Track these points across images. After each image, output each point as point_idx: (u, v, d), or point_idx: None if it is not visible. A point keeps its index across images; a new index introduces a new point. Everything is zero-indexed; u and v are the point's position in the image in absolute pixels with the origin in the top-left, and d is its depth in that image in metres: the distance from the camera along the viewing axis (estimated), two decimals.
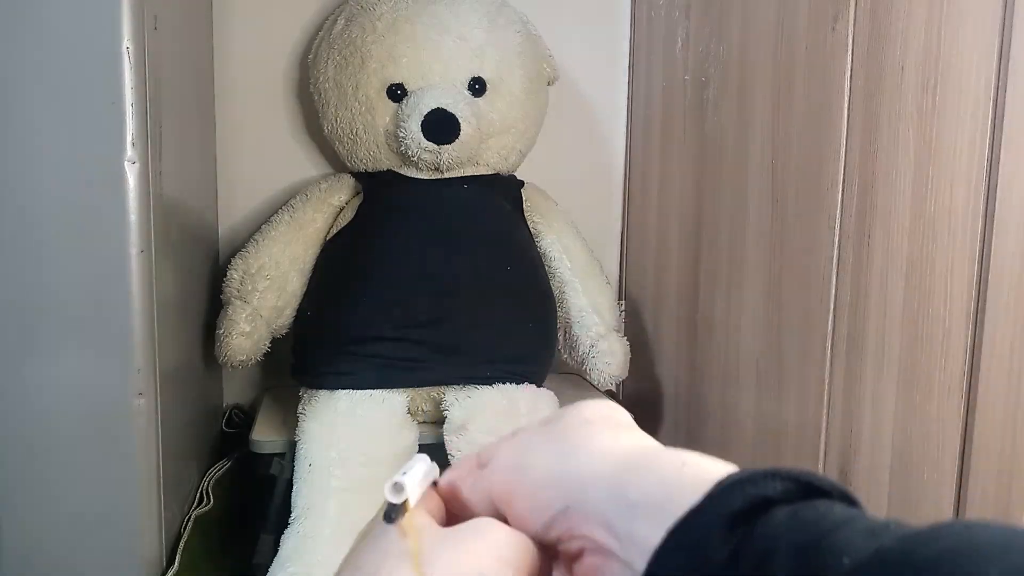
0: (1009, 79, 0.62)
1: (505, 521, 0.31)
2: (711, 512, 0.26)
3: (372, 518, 0.32)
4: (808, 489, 0.26)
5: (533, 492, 0.30)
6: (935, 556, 0.21)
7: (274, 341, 1.12)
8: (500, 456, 0.32)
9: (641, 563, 0.27)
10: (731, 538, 0.25)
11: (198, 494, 1.06)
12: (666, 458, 0.29)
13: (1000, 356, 0.64)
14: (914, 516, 0.73)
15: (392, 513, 0.31)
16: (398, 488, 0.31)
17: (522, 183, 1.23)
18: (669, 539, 0.26)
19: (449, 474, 0.34)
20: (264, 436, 1.08)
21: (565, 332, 1.19)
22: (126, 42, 0.78)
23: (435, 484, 0.33)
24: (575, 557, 0.30)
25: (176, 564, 0.89)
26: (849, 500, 0.26)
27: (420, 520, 0.31)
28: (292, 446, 1.02)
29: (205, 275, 1.15)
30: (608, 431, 0.31)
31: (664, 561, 0.26)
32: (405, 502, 0.31)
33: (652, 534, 0.26)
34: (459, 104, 1.09)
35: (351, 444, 0.98)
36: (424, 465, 0.33)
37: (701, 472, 0.27)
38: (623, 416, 0.33)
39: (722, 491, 0.26)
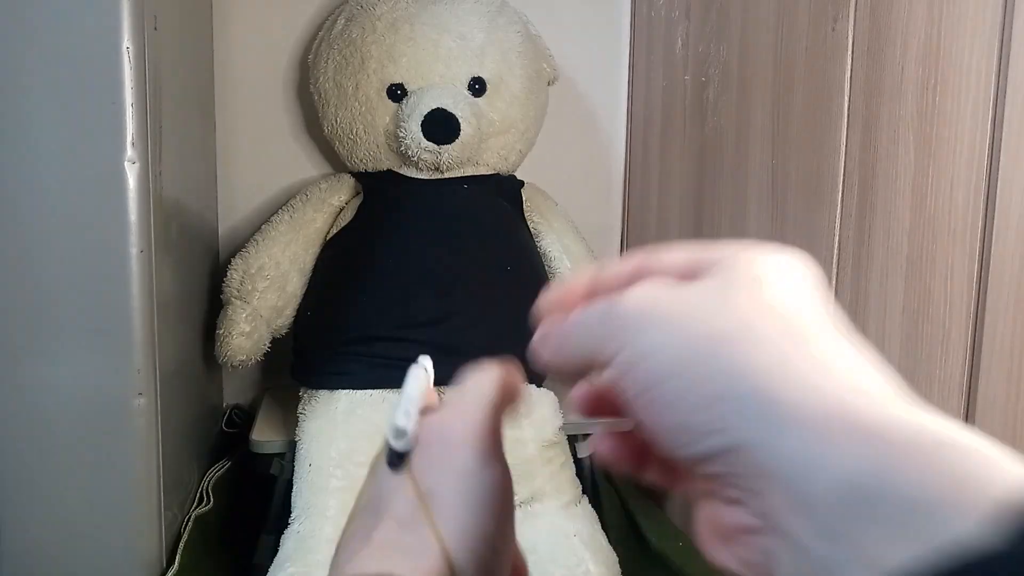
0: (1009, 79, 0.62)
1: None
2: (1017, 559, 0.16)
3: (376, 455, 0.31)
4: None
5: (692, 407, 0.21)
6: None
7: (274, 341, 1.11)
8: (632, 299, 0.23)
9: (854, 574, 0.18)
10: None
11: (198, 494, 1.06)
12: (916, 428, 0.19)
13: (1000, 356, 0.64)
14: None
15: (396, 461, 0.29)
16: (400, 433, 0.29)
17: (522, 183, 1.23)
18: None
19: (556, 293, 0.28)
20: (264, 436, 1.08)
21: None
22: (126, 42, 0.78)
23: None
24: (727, 502, 0.22)
25: (176, 564, 0.89)
26: None
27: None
28: (292, 446, 1.02)
29: (205, 275, 1.15)
30: (817, 326, 0.22)
31: None
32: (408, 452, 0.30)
33: (890, 550, 0.18)
34: (459, 104, 1.09)
35: (351, 444, 0.98)
36: (419, 385, 0.32)
37: (973, 467, 0.18)
38: (819, 286, 0.23)
39: None
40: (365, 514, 0.30)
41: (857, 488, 0.18)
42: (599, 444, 0.28)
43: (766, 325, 0.21)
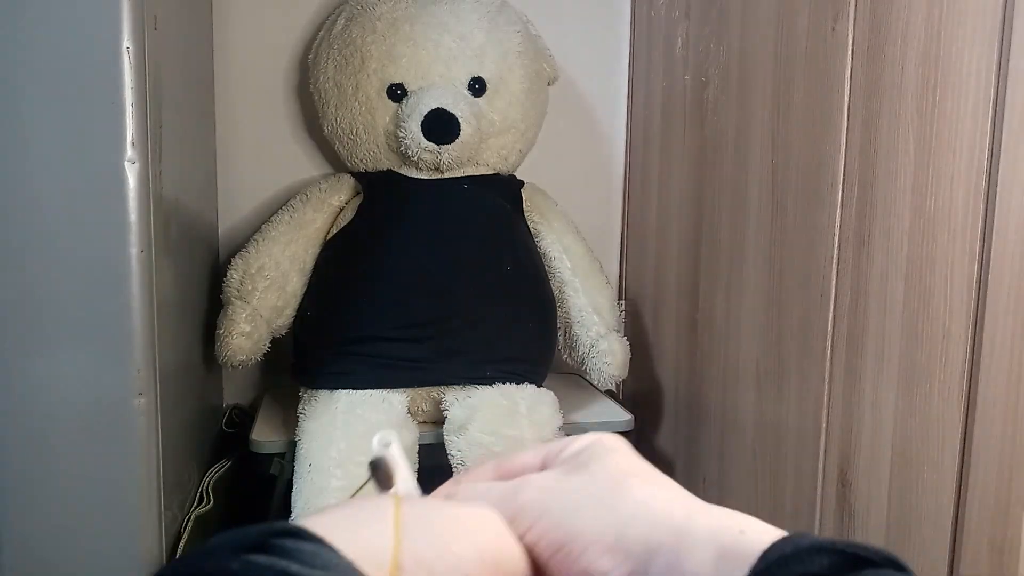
0: (1009, 79, 0.62)
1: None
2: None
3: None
4: (856, 560, 0.26)
5: (590, 550, 0.29)
6: None
7: (274, 341, 1.11)
8: (531, 490, 0.32)
9: None
10: None
11: (198, 494, 1.06)
12: (725, 525, 0.29)
13: (1000, 356, 0.64)
14: (914, 516, 0.73)
15: (378, 469, 0.32)
16: (384, 441, 0.32)
17: (522, 183, 1.23)
18: None
19: (464, 476, 0.34)
20: (264, 436, 1.08)
21: (565, 332, 1.19)
22: (126, 42, 0.78)
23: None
24: None
25: None
26: (899, 567, 0.26)
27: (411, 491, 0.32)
28: (292, 446, 1.02)
29: (205, 275, 1.15)
30: (649, 483, 0.31)
31: None
32: (386, 465, 0.32)
33: None
34: (459, 104, 1.09)
35: (351, 444, 0.98)
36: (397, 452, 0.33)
37: (758, 544, 0.27)
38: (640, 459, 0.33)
39: (767, 569, 0.26)
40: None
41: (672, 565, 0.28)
42: None
43: (630, 480, 0.31)
